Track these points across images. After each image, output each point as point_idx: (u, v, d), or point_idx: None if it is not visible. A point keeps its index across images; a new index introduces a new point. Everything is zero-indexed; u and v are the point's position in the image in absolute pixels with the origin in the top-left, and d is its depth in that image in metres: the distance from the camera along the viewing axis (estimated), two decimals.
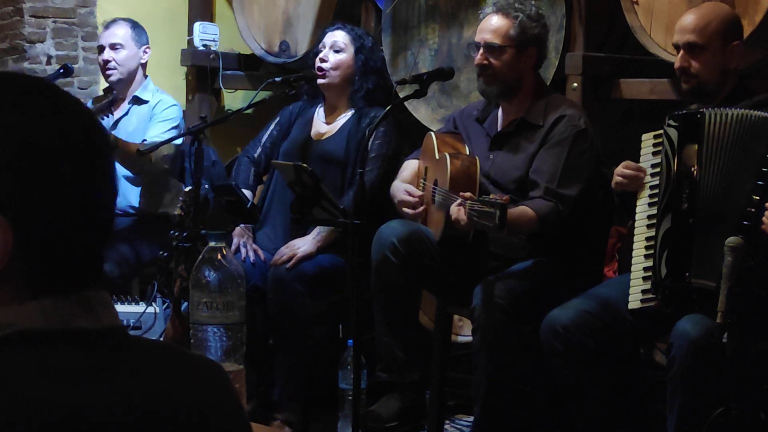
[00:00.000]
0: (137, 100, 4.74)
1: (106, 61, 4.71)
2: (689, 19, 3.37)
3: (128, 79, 4.74)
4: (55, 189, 1.12)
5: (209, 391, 1.20)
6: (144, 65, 4.77)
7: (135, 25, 4.77)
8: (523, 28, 3.66)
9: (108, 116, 4.75)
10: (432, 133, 3.93)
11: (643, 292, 3.26)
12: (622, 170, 3.34)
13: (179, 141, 4.52)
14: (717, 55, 3.32)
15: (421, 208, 3.76)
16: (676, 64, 3.36)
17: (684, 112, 3.28)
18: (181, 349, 1.26)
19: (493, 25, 3.68)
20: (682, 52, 3.34)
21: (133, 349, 1.18)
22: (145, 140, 4.52)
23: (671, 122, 3.24)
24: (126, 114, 4.74)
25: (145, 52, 4.76)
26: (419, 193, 3.79)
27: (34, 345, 1.11)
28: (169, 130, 4.58)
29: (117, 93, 4.77)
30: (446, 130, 3.97)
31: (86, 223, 1.15)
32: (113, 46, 4.70)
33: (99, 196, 1.16)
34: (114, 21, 4.84)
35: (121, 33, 4.72)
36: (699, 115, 3.20)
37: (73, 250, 1.15)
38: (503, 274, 3.55)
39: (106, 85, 4.88)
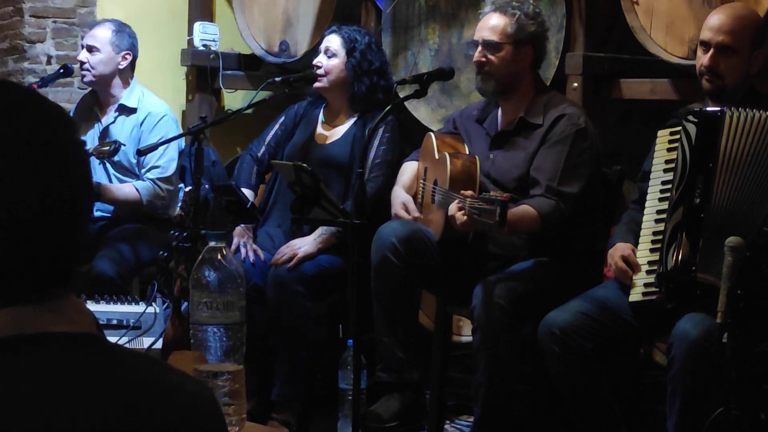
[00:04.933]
0: (123, 109, 4.68)
1: (81, 62, 4.67)
2: (723, 18, 3.34)
3: (103, 83, 4.66)
4: (31, 196, 1.11)
5: (184, 411, 1.16)
6: (123, 70, 4.67)
7: (119, 30, 4.68)
8: (521, 26, 3.67)
9: (97, 124, 4.73)
10: (431, 134, 3.93)
11: (646, 285, 3.26)
12: (618, 260, 3.32)
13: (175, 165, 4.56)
14: (744, 60, 3.32)
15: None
16: (705, 62, 3.32)
17: (704, 109, 3.29)
18: (159, 362, 1.23)
19: (491, 23, 3.70)
20: (712, 51, 3.31)
21: (110, 356, 1.16)
22: (143, 158, 4.53)
23: (691, 118, 3.25)
24: (113, 122, 4.70)
25: (124, 57, 4.65)
26: (417, 214, 3.79)
27: (6, 352, 1.10)
28: (168, 149, 4.54)
29: (100, 97, 4.73)
30: (446, 131, 3.97)
31: (61, 230, 1.14)
32: (90, 48, 4.64)
33: (75, 202, 1.15)
34: (99, 23, 4.80)
35: (100, 36, 4.65)
36: (720, 113, 3.21)
37: (48, 257, 1.13)
38: (503, 274, 3.55)
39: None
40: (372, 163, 4.12)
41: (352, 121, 4.32)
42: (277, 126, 4.50)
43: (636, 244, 3.35)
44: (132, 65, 4.72)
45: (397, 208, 3.83)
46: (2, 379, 1.07)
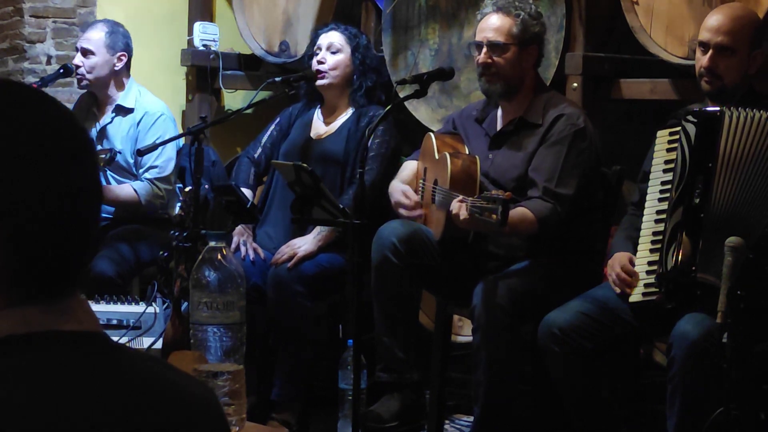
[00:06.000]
0: (120, 109, 4.66)
1: (77, 66, 4.64)
2: (721, 19, 3.34)
3: (100, 85, 4.64)
4: (44, 196, 1.12)
5: (187, 413, 1.16)
6: (119, 71, 4.65)
7: (113, 31, 4.65)
8: (525, 26, 3.66)
9: (95, 125, 4.73)
10: (431, 134, 3.93)
11: (646, 285, 3.26)
12: (618, 270, 3.32)
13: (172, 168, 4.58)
14: (744, 60, 3.32)
15: (418, 212, 3.76)
16: (705, 63, 3.32)
17: (704, 109, 3.29)
18: (164, 362, 1.24)
19: (495, 23, 3.68)
20: (711, 52, 3.32)
21: (116, 356, 1.16)
22: (140, 158, 4.54)
23: (690, 118, 3.25)
24: (110, 123, 4.68)
25: (119, 59, 4.62)
26: (416, 198, 3.79)
27: (15, 351, 1.10)
28: (165, 149, 4.52)
29: (98, 98, 4.73)
30: (445, 131, 3.97)
31: (72, 230, 1.14)
32: (84, 52, 4.62)
33: (85, 202, 1.16)
34: (92, 24, 4.77)
35: (94, 38, 4.62)
36: (719, 113, 3.21)
37: (59, 257, 1.14)
38: (503, 274, 3.55)
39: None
40: (366, 156, 4.12)
41: (346, 115, 4.33)
42: (272, 127, 4.51)
43: (635, 251, 3.36)
44: (128, 65, 4.70)
45: (397, 196, 3.82)
46: (8, 378, 1.07)
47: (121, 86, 4.68)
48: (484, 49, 3.69)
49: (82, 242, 1.16)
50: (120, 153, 4.48)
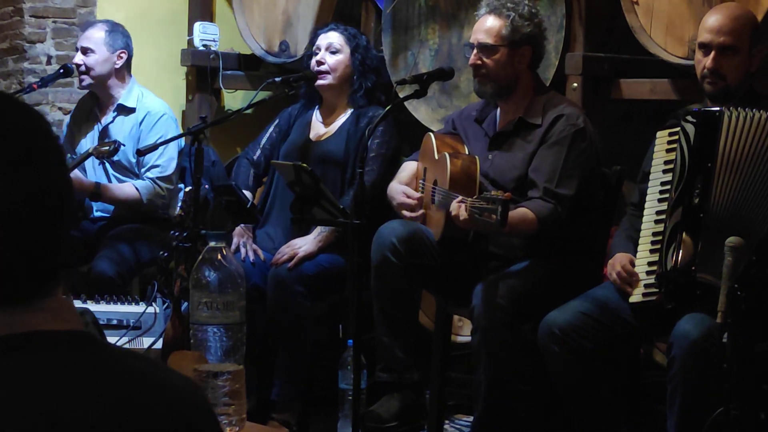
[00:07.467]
0: (122, 109, 4.67)
1: (77, 65, 4.66)
2: (721, 19, 3.34)
3: (101, 84, 4.66)
4: (17, 196, 1.11)
5: (174, 406, 1.17)
6: (120, 69, 4.66)
7: (112, 30, 4.67)
8: (515, 27, 3.66)
9: (97, 124, 4.73)
10: (431, 134, 3.93)
11: (646, 286, 3.27)
12: (619, 270, 3.32)
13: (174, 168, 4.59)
14: (745, 59, 3.32)
15: (420, 212, 3.76)
16: (708, 65, 3.31)
17: (703, 109, 3.29)
18: (147, 358, 1.24)
19: (486, 25, 3.70)
20: (714, 53, 3.32)
21: (100, 353, 1.16)
22: (142, 158, 4.55)
23: (689, 118, 3.25)
24: (112, 122, 4.69)
25: (119, 57, 4.64)
26: (417, 195, 3.79)
27: (9, 352, 1.10)
28: (167, 148, 4.53)
29: (100, 98, 4.73)
30: (445, 131, 3.97)
31: (47, 228, 1.14)
32: (84, 50, 4.64)
33: (59, 198, 1.15)
34: (91, 24, 4.79)
35: (94, 37, 4.64)
36: (718, 113, 3.21)
37: (35, 256, 1.13)
38: (503, 274, 3.55)
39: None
40: (367, 157, 4.12)
41: (345, 116, 4.33)
42: (271, 128, 4.51)
43: (635, 251, 3.36)
44: (128, 64, 4.71)
45: (399, 198, 3.81)
46: (5, 378, 1.07)
47: (122, 86, 4.69)
48: (474, 51, 3.70)
49: (55, 241, 1.15)
50: (124, 145, 4.49)
